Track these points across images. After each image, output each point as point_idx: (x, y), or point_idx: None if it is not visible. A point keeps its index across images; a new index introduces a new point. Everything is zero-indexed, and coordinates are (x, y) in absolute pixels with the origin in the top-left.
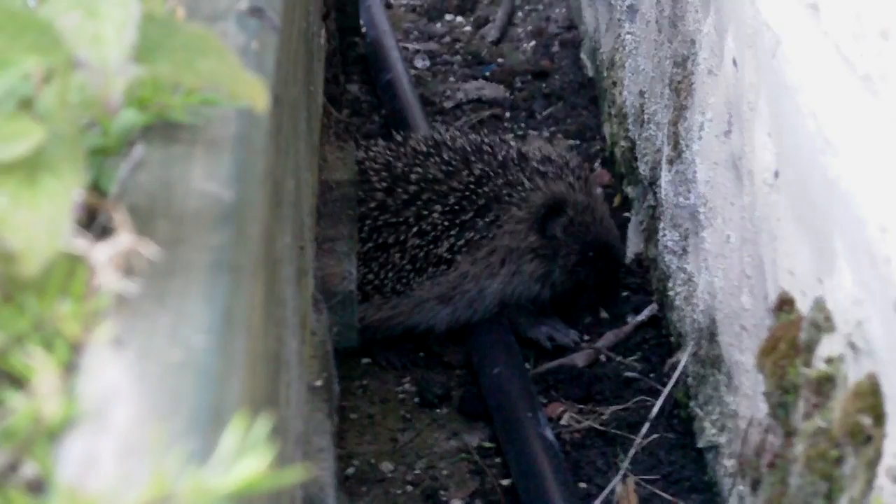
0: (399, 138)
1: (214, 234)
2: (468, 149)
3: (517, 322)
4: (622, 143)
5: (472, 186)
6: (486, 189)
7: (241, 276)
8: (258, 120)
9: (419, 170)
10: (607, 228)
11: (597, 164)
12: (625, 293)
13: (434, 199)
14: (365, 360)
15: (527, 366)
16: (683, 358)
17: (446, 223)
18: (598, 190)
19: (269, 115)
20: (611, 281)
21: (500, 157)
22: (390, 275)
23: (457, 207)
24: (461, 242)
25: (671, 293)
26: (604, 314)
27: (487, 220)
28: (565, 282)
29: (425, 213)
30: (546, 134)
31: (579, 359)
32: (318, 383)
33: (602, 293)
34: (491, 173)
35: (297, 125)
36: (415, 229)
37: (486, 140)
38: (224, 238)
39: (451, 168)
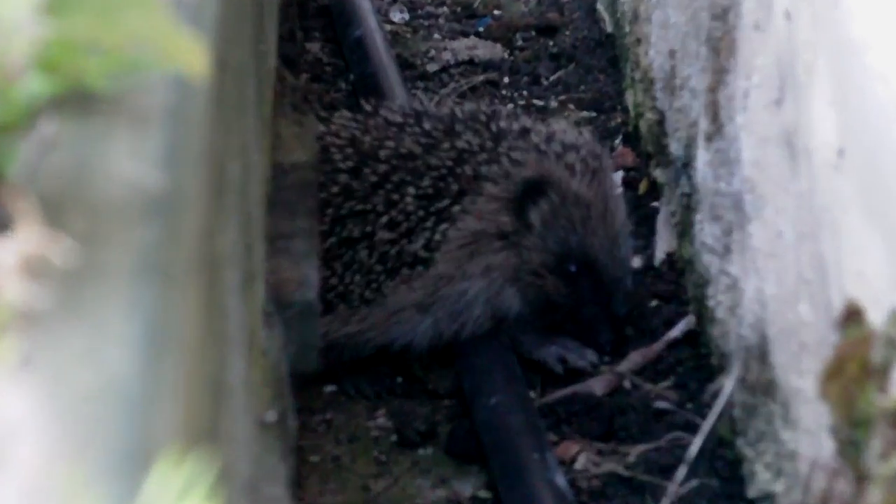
0: (368, 108)
1: (140, 229)
2: (457, 117)
3: (520, 340)
4: (649, 114)
5: (450, 164)
6: (466, 168)
7: (174, 281)
8: (195, 88)
9: (391, 144)
10: (605, 244)
11: (617, 142)
12: (654, 303)
13: (407, 180)
14: (329, 388)
15: (532, 394)
16: (728, 384)
17: (421, 212)
18: (614, 191)
19: (210, 81)
20: (597, 317)
21: (494, 129)
22: (357, 278)
23: (431, 192)
24: (437, 237)
25: (711, 302)
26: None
27: (462, 206)
28: (531, 286)
29: (396, 198)
30: (554, 104)
31: (598, 385)
32: (271, 417)
33: (585, 328)
34: (477, 148)
35: (244, 94)
36: (385, 220)
37: (485, 109)
38: (152, 234)
39: (430, 140)
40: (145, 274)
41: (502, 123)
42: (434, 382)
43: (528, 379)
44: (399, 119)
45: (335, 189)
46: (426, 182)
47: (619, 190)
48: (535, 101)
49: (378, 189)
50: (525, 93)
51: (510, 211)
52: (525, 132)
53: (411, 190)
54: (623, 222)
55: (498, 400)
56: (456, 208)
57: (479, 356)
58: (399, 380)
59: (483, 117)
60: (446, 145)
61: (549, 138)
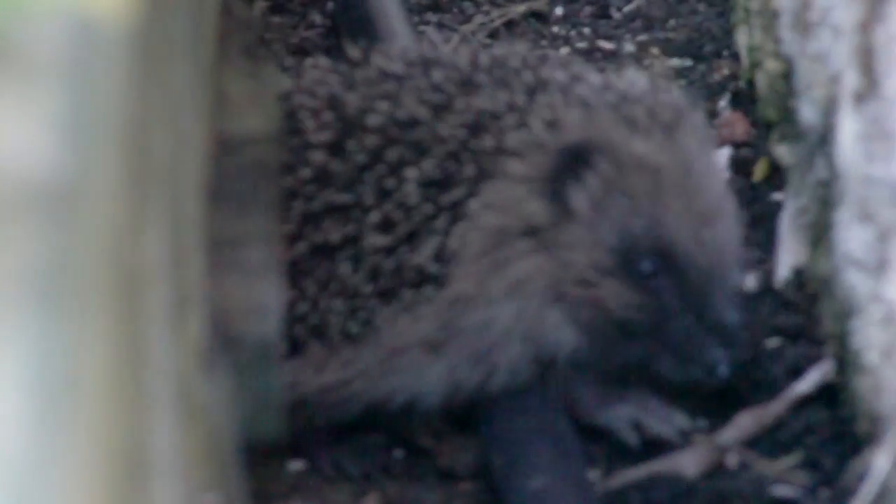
0: (356, 53)
1: (27, 229)
2: (479, 63)
3: (575, 395)
4: (770, 63)
5: (464, 134)
6: (486, 139)
7: (74, 304)
8: (104, 32)
9: (385, 106)
10: (689, 222)
11: (722, 104)
12: (774, 341)
13: (408, 158)
14: (296, 465)
15: (594, 475)
16: (881, 460)
17: (428, 206)
18: (704, 154)
19: (124, 21)
20: (693, 329)
21: (529, 80)
22: (338, 303)
23: (439, 176)
24: (453, 243)
25: (858, 341)
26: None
27: (482, 196)
28: (582, 302)
29: (392, 185)
30: (630, 47)
31: (689, 462)
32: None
33: (675, 350)
34: (503, 109)
35: (174, 36)
36: (376, 217)
37: (523, 53)
38: (44, 237)
39: (441, 98)
40: (34, 294)
41: (543, 72)
42: (449, 457)
43: (587, 453)
44: (400, 69)
45: (306, 172)
46: (432, 162)
47: (720, 163)
48: (602, 44)
49: (367, 172)
50: (587, 30)
51: (542, 194)
52: (573, 81)
53: (413, 173)
54: (720, 194)
55: (543, 483)
56: (474, 200)
57: (514, 419)
58: (398, 453)
59: (516, 64)
60: (461, 105)
61: (604, 88)
